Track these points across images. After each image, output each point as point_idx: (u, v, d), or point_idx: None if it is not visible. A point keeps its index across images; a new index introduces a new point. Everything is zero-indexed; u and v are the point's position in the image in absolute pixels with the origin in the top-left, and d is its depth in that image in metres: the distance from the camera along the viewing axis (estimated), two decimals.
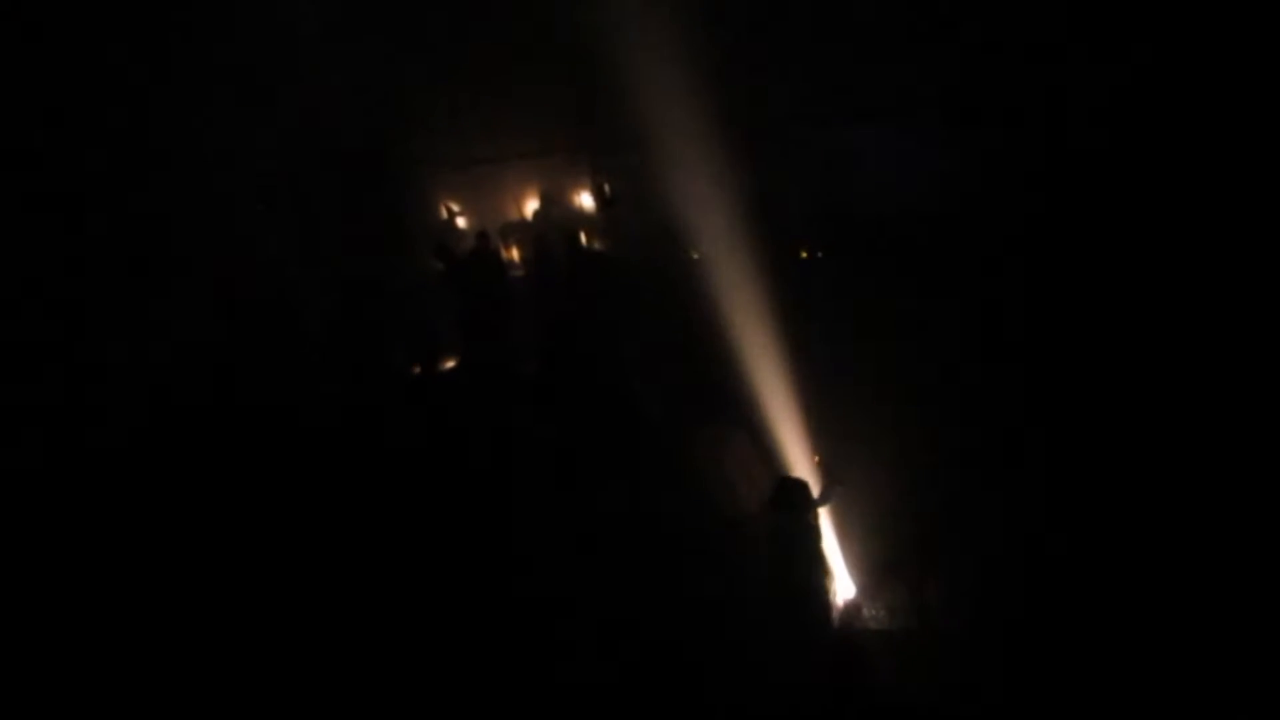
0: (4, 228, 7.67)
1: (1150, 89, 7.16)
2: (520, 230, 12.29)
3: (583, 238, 11.63)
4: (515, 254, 11.75)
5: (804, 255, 10.11)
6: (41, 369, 7.37)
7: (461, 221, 12.50)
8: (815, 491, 5.08)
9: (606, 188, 12.11)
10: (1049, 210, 7.59)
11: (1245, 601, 4.25)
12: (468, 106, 11.75)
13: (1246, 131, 6.69)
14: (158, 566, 5.70)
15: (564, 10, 10.58)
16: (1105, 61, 7.45)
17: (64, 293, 7.83)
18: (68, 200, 8.09)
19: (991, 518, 5.10)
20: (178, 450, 6.91)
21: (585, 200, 12.59)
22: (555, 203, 12.50)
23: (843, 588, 5.15)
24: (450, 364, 9.47)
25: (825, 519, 5.25)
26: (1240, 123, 6.75)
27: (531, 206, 12.66)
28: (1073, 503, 5.01)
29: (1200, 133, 6.90)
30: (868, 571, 5.20)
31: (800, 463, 6.18)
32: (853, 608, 5.10)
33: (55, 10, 8.60)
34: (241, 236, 9.86)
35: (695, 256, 10.28)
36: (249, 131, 10.12)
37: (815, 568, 4.66)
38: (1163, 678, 4.08)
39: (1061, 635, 4.32)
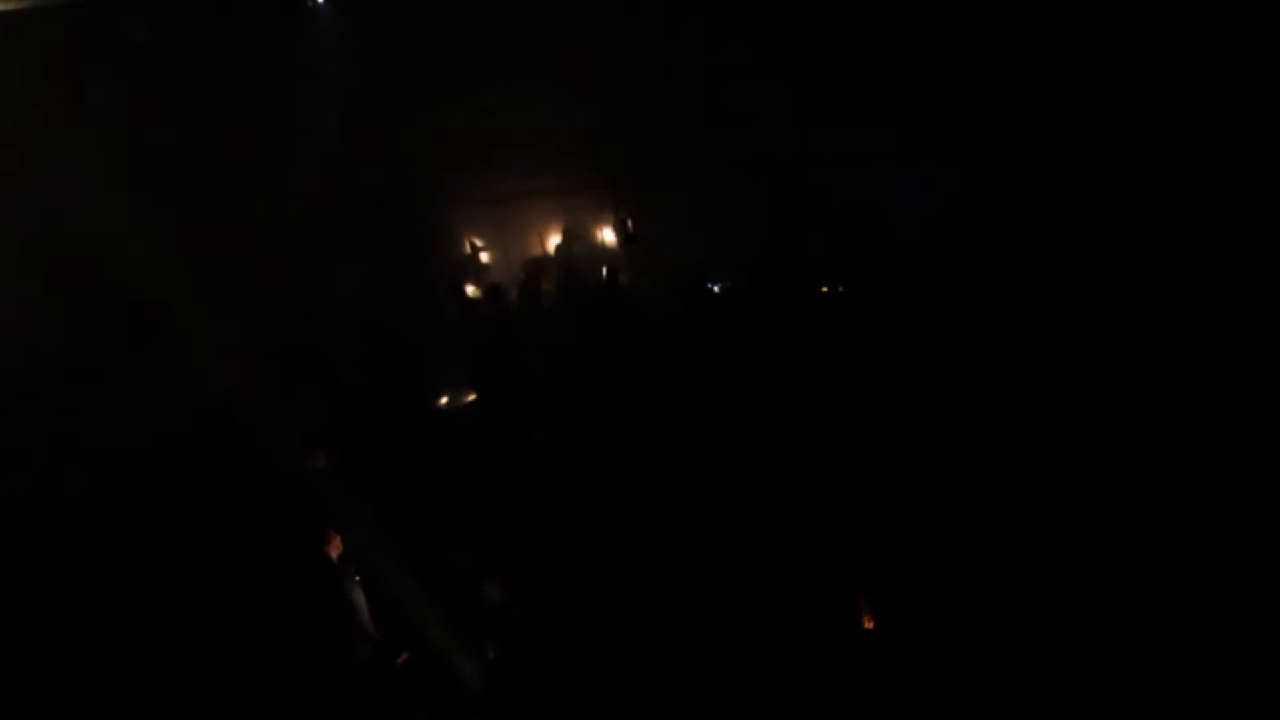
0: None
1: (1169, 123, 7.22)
2: (543, 265, 12.40)
3: (605, 272, 11.73)
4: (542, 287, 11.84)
5: (824, 289, 10.14)
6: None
7: (485, 256, 12.64)
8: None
9: (629, 224, 12.23)
10: (1074, 245, 7.61)
11: (1247, 606, 4.24)
12: (494, 144, 11.94)
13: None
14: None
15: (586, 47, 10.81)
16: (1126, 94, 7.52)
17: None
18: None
19: (1002, 532, 5.10)
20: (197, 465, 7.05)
21: (608, 236, 12.71)
22: (578, 238, 12.61)
23: (847, 603, 5.12)
24: (472, 396, 9.53)
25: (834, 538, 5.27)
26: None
27: (554, 242, 12.78)
28: (1083, 519, 5.03)
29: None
30: (877, 586, 5.17)
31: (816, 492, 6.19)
32: (860, 621, 5.08)
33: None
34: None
35: (716, 290, 10.35)
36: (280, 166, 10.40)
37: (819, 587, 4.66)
38: (1168, 683, 4.06)
39: (1069, 646, 4.32)
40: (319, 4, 11.51)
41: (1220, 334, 5.84)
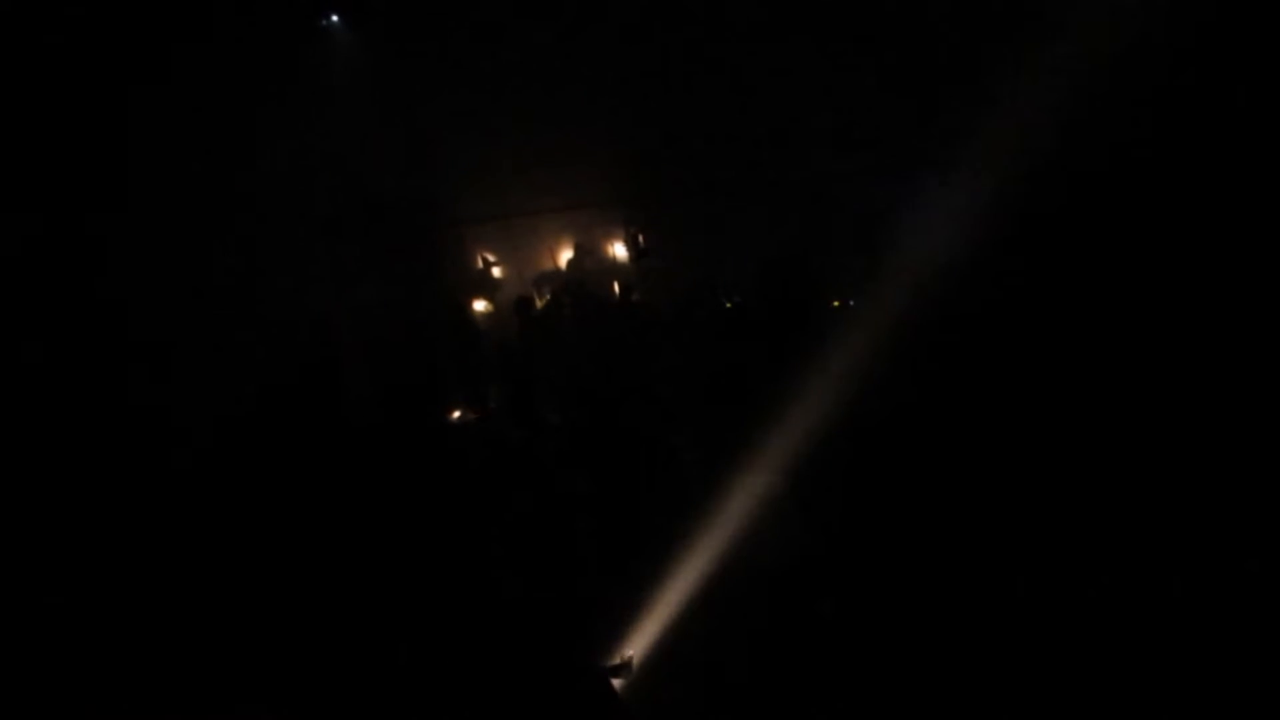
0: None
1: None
2: (554, 280, 12.46)
3: (616, 287, 11.78)
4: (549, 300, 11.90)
5: (836, 304, 10.16)
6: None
7: (497, 271, 12.70)
8: None
9: (640, 239, 12.28)
10: (1082, 261, 7.60)
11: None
12: (505, 160, 12.03)
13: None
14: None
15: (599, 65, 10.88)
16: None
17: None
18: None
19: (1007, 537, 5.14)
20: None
21: (619, 251, 12.76)
22: (589, 253, 12.66)
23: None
24: (482, 412, 9.55)
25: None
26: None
27: (566, 257, 12.84)
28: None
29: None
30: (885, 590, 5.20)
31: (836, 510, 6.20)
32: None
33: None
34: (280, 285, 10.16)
35: (729, 305, 10.37)
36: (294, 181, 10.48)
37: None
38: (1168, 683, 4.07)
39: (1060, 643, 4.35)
40: (332, 22, 11.65)
41: (1227, 350, 5.85)
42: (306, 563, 5.94)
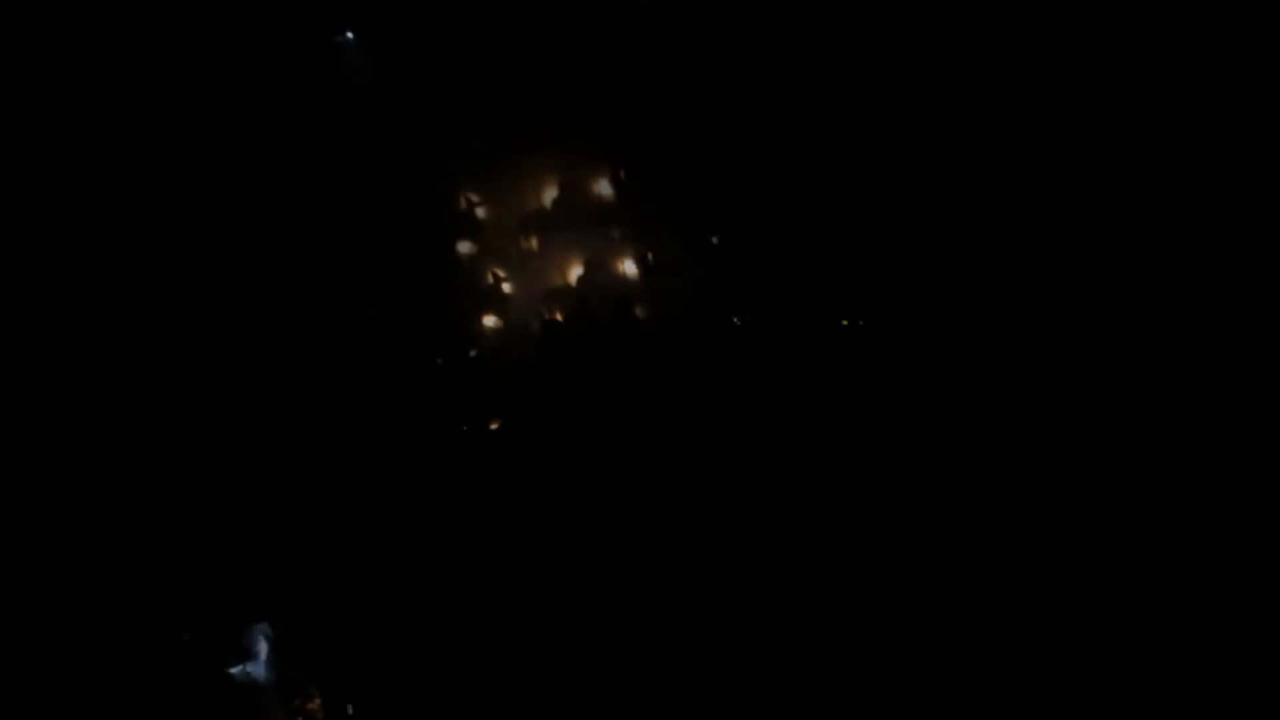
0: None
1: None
2: (564, 296, 12.50)
3: (624, 303, 11.82)
4: (558, 316, 11.96)
5: (844, 323, 10.17)
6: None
7: (506, 287, 12.75)
8: None
9: (649, 256, 12.31)
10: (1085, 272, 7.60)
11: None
12: (516, 177, 12.12)
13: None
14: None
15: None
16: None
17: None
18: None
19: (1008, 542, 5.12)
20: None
21: (629, 268, 12.79)
22: (598, 268, 12.70)
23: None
24: (495, 424, 9.59)
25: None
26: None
27: (576, 274, 12.88)
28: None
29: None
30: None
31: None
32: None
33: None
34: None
35: (736, 322, 10.39)
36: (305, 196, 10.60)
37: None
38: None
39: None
40: (346, 39, 11.79)
41: (1226, 352, 5.83)
42: (306, 564, 5.97)
